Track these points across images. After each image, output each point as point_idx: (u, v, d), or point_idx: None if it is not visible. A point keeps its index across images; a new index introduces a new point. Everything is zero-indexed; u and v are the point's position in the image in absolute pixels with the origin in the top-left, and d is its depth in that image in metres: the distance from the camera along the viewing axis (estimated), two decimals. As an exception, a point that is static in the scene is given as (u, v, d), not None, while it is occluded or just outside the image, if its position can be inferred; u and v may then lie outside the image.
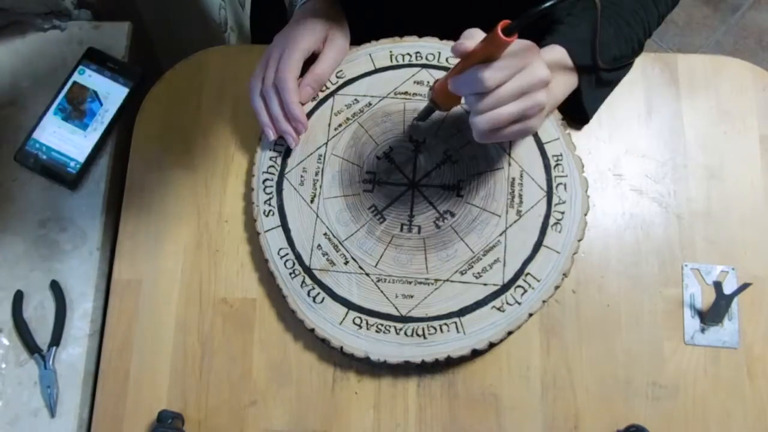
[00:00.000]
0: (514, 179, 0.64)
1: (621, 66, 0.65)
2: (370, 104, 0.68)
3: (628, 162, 0.67)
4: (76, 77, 0.72)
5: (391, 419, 0.61)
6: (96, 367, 0.65)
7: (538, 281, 0.61)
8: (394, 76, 0.69)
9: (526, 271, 0.61)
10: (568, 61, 0.61)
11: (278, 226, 0.64)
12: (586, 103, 0.65)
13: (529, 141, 0.65)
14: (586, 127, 0.68)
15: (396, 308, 0.61)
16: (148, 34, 0.92)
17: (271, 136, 0.66)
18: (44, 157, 0.70)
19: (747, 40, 1.61)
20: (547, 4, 0.47)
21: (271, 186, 0.66)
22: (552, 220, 0.63)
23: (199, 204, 0.68)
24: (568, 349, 0.62)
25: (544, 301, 0.60)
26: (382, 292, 0.62)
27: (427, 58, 0.70)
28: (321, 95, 0.69)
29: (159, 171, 0.69)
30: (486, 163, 0.65)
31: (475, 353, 0.60)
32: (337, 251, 0.63)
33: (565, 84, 0.62)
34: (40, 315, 0.66)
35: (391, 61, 0.70)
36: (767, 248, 0.64)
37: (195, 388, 0.63)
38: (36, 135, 0.70)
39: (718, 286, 0.60)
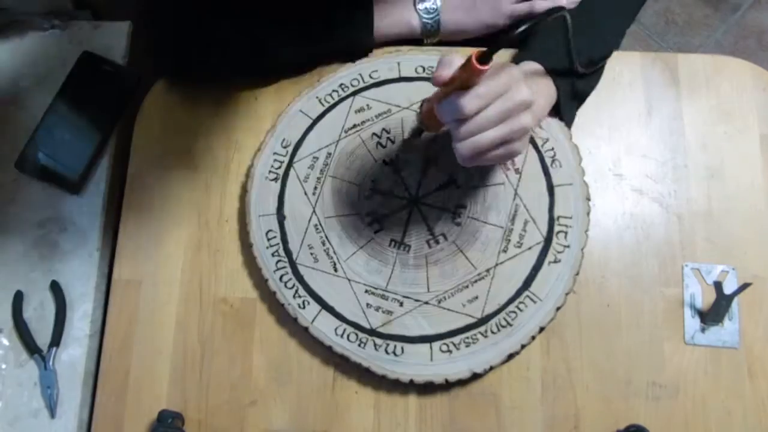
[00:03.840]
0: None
1: (596, 69, 0.65)
2: (329, 154, 0.67)
3: (629, 162, 0.67)
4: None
5: (391, 419, 0.61)
6: (96, 367, 0.65)
7: (571, 218, 0.62)
8: (334, 118, 0.68)
9: (556, 215, 0.63)
10: (546, 75, 0.61)
11: (320, 311, 0.62)
12: (565, 113, 0.64)
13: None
14: (586, 127, 0.68)
15: (470, 316, 0.61)
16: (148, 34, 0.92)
17: None
18: (45, 163, 0.70)
19: (747, 39, 1.61)
20: (521, 29, 0.47)
21: (290, 279, 0.63)
22: (548, 160, 0.64)
23: (199, 204, 0.68)
24: (568, 349, 0.62)
25: (586, 232, 0.62)
26: (449, 310, 0.61)
27: (352, 85, 0.69)
28: (280, 172, 0.67)
29: (159, 171, 0.69)
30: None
31: (559, 310, 0.60)
32: (387, 299, 0.62)
33: (546, 99, 0.62)
34: (40, 315, 0.66)
35: (323, 105, 0.68)
36: (767, 248, 0.64)
37: (195, 388, 0.63)
38: (36, 141, 0.70)
39: (718, 285, 0.60)
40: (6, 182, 0.70)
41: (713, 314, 0.61)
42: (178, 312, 0.65)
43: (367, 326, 0.61)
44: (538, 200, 0.63)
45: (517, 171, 0.64)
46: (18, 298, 0.66)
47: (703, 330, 0.62)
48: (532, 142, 0.65)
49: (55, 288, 0.66)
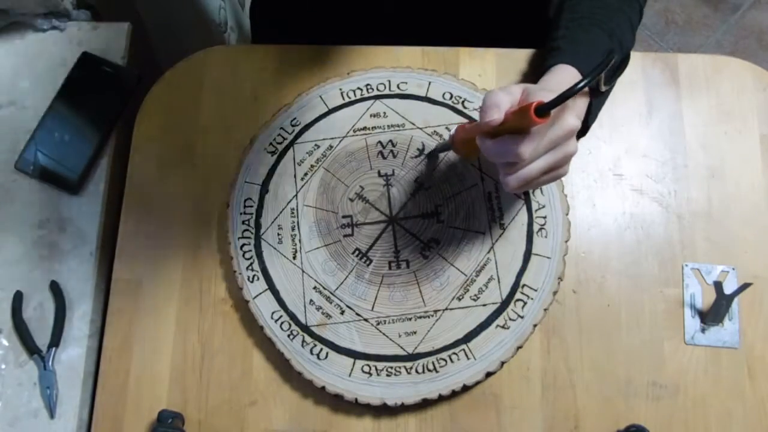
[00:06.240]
0: (490, 193, 0.64)
1: (617, 73, 0.63)
2: (331, 147, 0.67)
3: (629, 162, 0.67)
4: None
5: (391, 419, 0.61)
6: (96, 367, 0.65)
7: (536, 291, 0.60)
8: (349, 114, 0.68)
9: (522, 282, 0.61)
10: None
11: (266, 290, 0.63)
12: (591, 118, 0.63)
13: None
14: (586, 127, 0.68)
15: (402, 348, 0.60)
16: (147, 35, 0.92)
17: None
18: (44, 163, 0.70)
19: (747, 39, 1.61)
20: (585, 80, 0.45)
21: (250, 250, 0.64)
22: (536, 227, 0.62)
23: (199, 204, 0.68)
24: (569, 349, 0.62)
25: (545, 310, 0.60)
26: (384, 334, 0.61)
27: (378, 89, 0.69)
28: (280, 147, 0.67)
29: (159, 171, 0.69)
30: (460, 184, 0.64)
31: (489, 375, 0.60)
32: (331, 302, 0.62)
33: (582, 105, 0.59)
34: (39, 316, 0.66)
35: (343, 98, 0.69)
36: (767, 248, 0.64)
37: (195, 388, 0.63)
38: (35, 142, 0.70)
39: (718, 285, 0.60)
40: (6, 182, 0.70)
41: (713, 314, 0.61)
42: (178, 312, 0.65)
43: (303, 321, 0.62)
44: (510, 261, 0.62)
45: (501, 226, 0.63)
46: (17, 298, 0.66)
47: (703, 330, 0.62)
48: (527, 203, 0.64)
49: (55, 288, 0.66)
